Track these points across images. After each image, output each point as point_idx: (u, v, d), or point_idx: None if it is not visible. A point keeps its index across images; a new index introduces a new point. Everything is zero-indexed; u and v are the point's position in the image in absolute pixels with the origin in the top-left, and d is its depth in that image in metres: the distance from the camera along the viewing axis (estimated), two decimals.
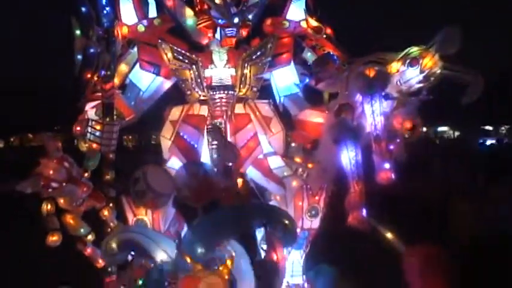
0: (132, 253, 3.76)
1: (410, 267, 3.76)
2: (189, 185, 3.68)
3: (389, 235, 4.09)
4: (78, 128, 4.22)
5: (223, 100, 4.20)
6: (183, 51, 4.19)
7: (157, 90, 4.53)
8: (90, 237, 4.15)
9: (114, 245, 3.61)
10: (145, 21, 4.33)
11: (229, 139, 4.11)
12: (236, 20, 4.07)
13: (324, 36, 4.39)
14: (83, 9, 3.93)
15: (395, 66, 3.84)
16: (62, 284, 4.52)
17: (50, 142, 3.91)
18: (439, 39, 3.70)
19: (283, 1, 4.48)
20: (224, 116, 4.17)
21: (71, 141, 4.60)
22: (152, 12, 4.44)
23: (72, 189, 3.91)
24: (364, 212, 3.76)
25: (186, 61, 4.17)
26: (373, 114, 3.74)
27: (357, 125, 3.83)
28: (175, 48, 4.17)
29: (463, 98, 3.73)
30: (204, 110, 4.28)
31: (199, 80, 4.18)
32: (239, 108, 4.30)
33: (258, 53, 4.21)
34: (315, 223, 4.35)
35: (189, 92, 4.27)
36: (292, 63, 4.48)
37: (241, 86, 4.22)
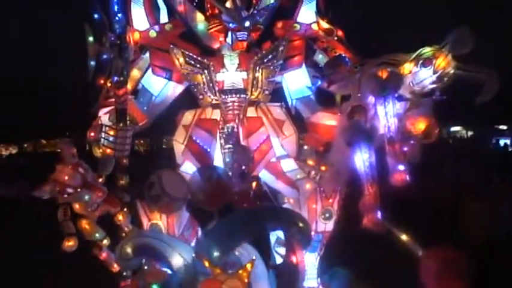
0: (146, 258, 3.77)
1: (426, 269, 3.73)
2: (204, 189, 3.68)
3: (404, 237, 4.05)
4: (92, 134, 4.25)
5: (236, 104, 4.21)
6: (194, 56, 4.22)
7: (170, 95, 4.56)
8: (105, 241, 4.17)
9: (129, 250, 3.61)
10: (156, 27, 4.38)
11: (242, 143, 4.11)
12: (247, 23, 4.09)
13: (335, 38, 4.38)
14: (96, 16, 3.98)
15: (408, 67, 3.82)
16: None
17: (65, 148, 3.95)
18: (451, 39, 3.68)
19: (294, 4, 4.48)
20: (236, 120, 4.18)
21: (83, 147, 4.63)
22: (163, 17, 4.48)
23: (87, 195, 3.94)
24: (379, 214, 3.74)
25: (198, 66, 4.20)
26: (387, 115, 3.71)
27: (370, 127, 3.81)
28: (187, 53, 4.20)
29: (477, 97, 3.69)
30: (216, 114, 4.29)
31: (211, 84, 4.20)
32: (251, 112, 4.31)
33: (270, 56, 4.23)
34: (329, 226, 4.32)
35: (201, 97, 4.30)
36: (303, 65, 4.48)
37: (253, 89, 4.23)
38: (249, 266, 3.16)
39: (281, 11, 4.45)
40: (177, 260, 3.32)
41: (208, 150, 4.14)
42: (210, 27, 4.21)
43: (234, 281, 3.08)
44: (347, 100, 4.13)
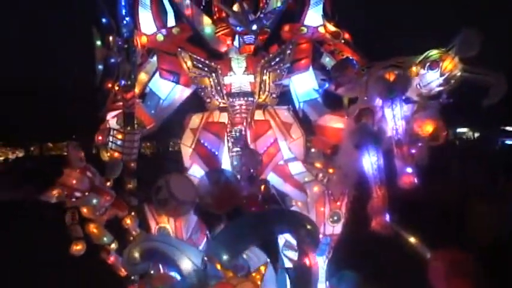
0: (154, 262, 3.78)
1: (435, 272, 3.72)
2: (212, 192, 3.69)
3: (412, 240, 4.05)
4: (100, 138, 4.26)
5: (243, 107, 4.22)
6: (202, 59, 4.22)
7: (177, 98, 4.57)
8: (113, 245, 4.17)
9: (136, 254, 3.61)
10: (164, 31, 4.39)
11: (250, 146, 4.11)
12: (254, 27, 4.09)
13: (342, 41, 4.38)
14: (103, 20, 3.99)
15: (415, 70, 3.81)
16: None
17: (73, 152, 3.95)
18: (458, 41, 3.67)
19: (301, 7, 4.47)
20: (244, 123, 4.19)
21: (90, 150, 4.64)
22: (171, 21, 4.49)
23: (95, 199, 3.94)
24: (387, 216, 3.73)
25: (206, 69, 4.20)
26: (394, 118, 3.71)
27: (378, 129, 3.80)
28: (194, 56, 4.20)
29: (484, 99, 3.68)
30: (224, 117, 4.29)
31: (219, 88, 4.21)
32: (259, 115, 4.31)
33: (277, 60, 4.22)
34: (337, 229, 4.31)
35: (208, 100, 4.31)
36: (311, 68, 4.48)
37: (261, 92, 4.23)
38: (262, 268, 3.17)
39: (288, 14, 4.45)
40: (186, 264, 3.32)
41: (216, 153, 4.14)
42: (217, 30, 4.22)
43: (247, 284, 3.09)
44: (354, 103, 4.13)
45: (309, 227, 3.68)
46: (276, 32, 4.43)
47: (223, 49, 4.40)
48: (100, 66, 4.11)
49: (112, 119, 4.30)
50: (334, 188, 4.26)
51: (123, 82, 4.04)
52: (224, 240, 3.32)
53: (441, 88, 3.81)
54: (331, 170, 4.35)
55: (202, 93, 4.33)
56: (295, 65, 4.38)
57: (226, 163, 4.19)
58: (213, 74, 4.20)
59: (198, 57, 4.22)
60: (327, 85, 4.29)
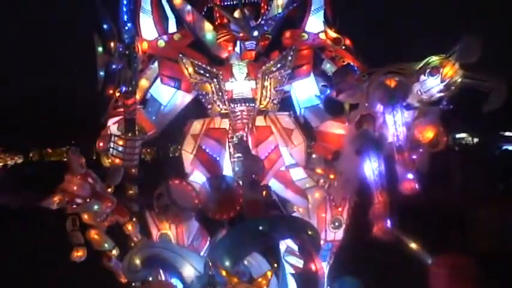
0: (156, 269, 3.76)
1: (436, 277, 3.72)
2: (213, 198, 3.69)
3: (414, 245, 4.05)
4: (101, 144, 4.25)
5: (244, 113, 4.22)
6: (203, 65, 4.23)
7: (178, 104, 4.58)
8: (114, 252, 4.16)
9: (137, 262, 3.60)
10: (165, 37, 4.39)
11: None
12: (256, 33, 4.09)
13: (343, 47, 4.38)
14: (105, 26, 4.00)
15: (415, 76, 3.82)
16: None
17: (74, 158, 3.95)
18: (459, 48, 3.67)
19: (302, 13, 4.48)
20: (245, 129, 4.19)
21: (89, 156, 4.64)
22: (172, 27, 4.50)
23: (97, 205, 3.94)
24: (389, 222, 3.73)
25: (207, 75, 4.21)
26: (395, 124, 3.71)
27: (379, 135, 3.81)
28: (196, 62, 4.21)
29: (485, 105, 3.69)
30: (225, 124, 4.30)
31: (220, 94, 4.21)
32: (260, 121, 4.32)
33: (278, 66, 4.23)
34: (339, 235, 4.32)
35: (210, 106, 4.31)
36: (312, 74, 4.50)
37: (262, 98, 4.23)
38: (269, 274, 3.16)
39: (289, 21, 4.45)
40: (189, 271, 3.32)
41: (218, 159, 4.14)
42: (219, 36, 4.22)
43: None
44: (355, 109, 4.14)
45: (310, 232, 3.68)
46: (277, 38, 4.43)
47: (224, 55, 4.41)
48: (101, 73, 4.12)
49: (113, 125, 4.29)
50: (335, 193, 4.26)
51: (124, 88, 4.05)
52: (225, 247, 3.31)
53: (442, 94, 3.80)
54: (332, 176, 4.36)
55: (204, 99, 4.34)
56: (297, 71, 4.39)
57: (227, 169, 4.19)
58: (215, 80, 4.21)
59: (200, 63, 4.22)
60: (328, 91, 4.29)
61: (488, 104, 3.66)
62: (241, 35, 4.12)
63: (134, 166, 4.21)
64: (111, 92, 4.10)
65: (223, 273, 3.09)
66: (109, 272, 4.20)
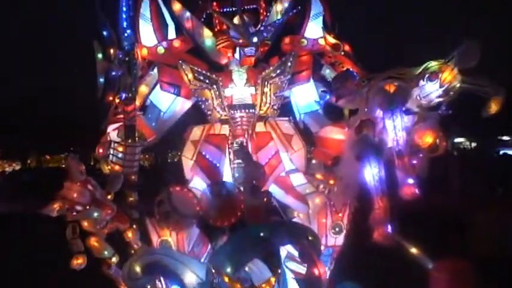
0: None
1: (437, 282, 3.72)
2: (214, 205, 3.68)
3: (414, 250, 4.04)
4: (101, 150, 4.24)
5: (244, 119, 4.23)
6: (203, 72, 4.23)
7: (178, 111, 4.58)
8: (114, 259, 4.15)
9: (138, 269, 3.57)
10: (164, 43, 4.40)
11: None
12: (255, 39, 4.11)
13: (342, 53, 4.39)
14: (105, 32, 4.01)
15: (414, 81, 3.83)
16: None
17: (73, 165, 3.94)
18: (457, 53, 3.68)
19: (301, 19, 4.49)
20: (245, 135, 4.19)
21: (88, 163, 4.63)
22: (171, 33, 4.50)
23: (97, 212, 3.92)
24: (389, 228, 3.73)
25: (207, 81, 4.22)
26: (395, 129, 3.72)
27: (379, 140, 3.81)
28: (195, 68, 4.22)
29: (483, 110, 3.70)
30: (225, 130, 4.30)
31: (220, 100, 4.22)
32: (260, 127, 4.32)
33: (278, 71, 4.23)
34: (339, 240, 4.31)
35: (209, 112, 4.32)
36: (311, 80, 4.51)
37: (262, 104, 4.24)
38: (273, 280, 3.15)
39: (288, 27, 4.47)
40: (190, 278, 3.30)
41: (218, 165, 4.13)
42: (218, 43, 4.24)
43: None
44: (355, 114, 4.15)
45: (310, 238, 3.67)
46: (277, 44, 4.45)
47: (223, 61, 4.42)
48: (101, 79, 4.12)
49: (113, 132, 4.29)
50: (336, 199, 4.26)
51: (124, 95, 4.05)
52: (227, 253, 3.30)
53: (441, 99, 3.81)
54: (332, 181, 4.36)
55: (203, 106, 4.35)
56: (296, 77, 4.40)
57: (227, 175, 4.19)
58: (214, 86, 4.22)
59: (199, 70, 4.23)
60: (328, 97, 4.30)
61: (487, 110, 3.66)
62: (240, 41, 4.14)
63: (134, 173, 4.20)
64: (111, 98, 4.10)
65: (226, 279, 3.08)
66: (109, 280, 4.19)
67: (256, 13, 4.50)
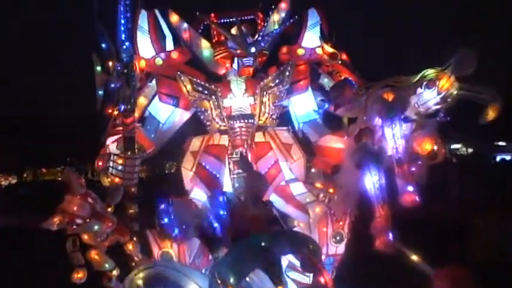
0: None
1: None
2: (217, 216, 3.67)
3: (415, 258, 4.04)
4: (100, 163, 4.23)
5: (243, 129, 4.24)
6: (202, 83, 4.25)
7: (177, 122, 4.59)
8: (115, 272, 4.13)
9: (140, 282, 3.53)
10: (162, 54, 4.42)
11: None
12: (253, 49, 4.14)
13: (340, 62, 4.42)
14: (103, 45, 4.01)
15: (412, 89, 3.84)
16: None
17: (73, 178, 3.93)
18: (454, 60, 3.70)
19: (298, 29, 4.52)
20: (245, 145, 4.19)
21: (85, 174, 4.61)
22: (169, 45, 4.50)
23: (97, 225, 3.91)
24: (391, 235, 3.73)
25: (206, 92, 4.23)
26: (394, 137, 3.73)
27: (379, 148, 3.82)
28: (194, 79, 4.23)
29: (481, 117, 3.71)
30: (224, 140, 4.31)
31: (219, 110, 4.23)
32: (259, 137, 4.34)
33: (277, 81, 4.25)
34: (340, 249, 4.32)
35: (209, 123, 4.32)
36: (309, 89, 4.53)
37: (261, 114, 4.25)
38: None
39: (285, 36, 4.50)
40: None
41: (218, 175, 4.14)
42: (216, 53, 4.26)
43: None
44: (354, 123, 4.16)
45: (311, 247, 3.67)
46: (274, 54, 4.48)
47: (221, 72, 4.44)
48: (100, 92, 4.12)
49: (112, 144, 4.28)
50: (336, 207, 4.26)
51: (123, 107, 4.05)
52: (229, 263, 3.29)
53: (438, 106, 3.82)
54: (331, 190, 4.36)
55: (202, 116, 4.35)
56: (294, 86, 4.42)
57: (227, 185, 4.19)
58: (213, 97, 4.23)
59: (198, 81, 4.24)
60: (326, 106, 4.31)
61: (485, 116, 3.68)
62: (238, 51, 4.17)
63: (134, 185, 4.20)
64: (110, 110, 4.10)
65: None
66: None
67: (253, 24, 4.53)
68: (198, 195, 4.19)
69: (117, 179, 4.14)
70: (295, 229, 4.27)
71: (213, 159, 4.19)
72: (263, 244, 3.55)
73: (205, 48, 4.46)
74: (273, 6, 4.52)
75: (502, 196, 9.90)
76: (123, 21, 4.02)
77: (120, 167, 4.14)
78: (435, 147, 3.93)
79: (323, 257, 4.06)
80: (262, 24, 4.43)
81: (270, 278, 3.62)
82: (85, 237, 3.99)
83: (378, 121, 3.88)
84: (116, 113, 4.20)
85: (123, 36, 4.03)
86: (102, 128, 4.20)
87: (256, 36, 4.27)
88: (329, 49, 4.38)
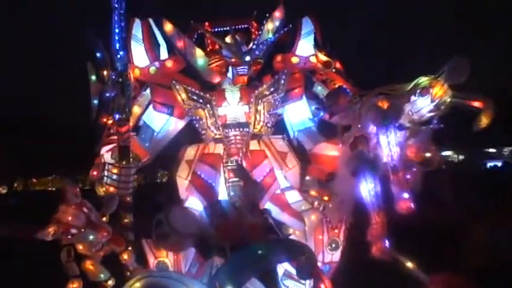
0: None
1: None
2: (214, 224, 3.66)
3: (410, 265, 4.05)
4: (95, 173, 4.23)
5: (238, 138, 4.22)
6: (197, 91, 4.24)
7: (171, 131, 4.58)
8: (110, 282, 4.10)
9: None
10: (157, 63, 4.43)
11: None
12: (247, 58, 4.15)
13: (334, 70, 4.44)
14: (98, 54, 4.01)
15: (406, 97, 3.86)
16: None
17: (68, 188, 3.91)
18: (447, 68, 3.73)
19: (292, 37, 4.55)
20: (240, 154, 4.19)
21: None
22: (163, 53, 4.51)
23: (92, 235, 3.89)
24: (387, 242, 3.74)
25: (201, 100, 4.22)
26: (389, 145, 3.74)
27: (374, 156, 3.83)
28: (189, 88, 4.22)
29: (474, 125, 3.74)
30: (219, 149, 4.30)
31: (214, 119, 4.22)
32: (254, 145, 4.33)
33: (271, 89, 4.25)
34: (336, 256, 4.32)
35: (204, 131, 4.32)
36: (304, 97, 4.54)
37: (256, 122, 4.25)
38: None
39: (279, 45, 4.52)
40: None
41: (213, 184, 4.13)
42: (211, 62, 4.26)
43: None
44: (348, 131, 4.17)
45: (307, 254, 3.66)
46: (269, 63, 4.49)
47: (215, 80, 4.44)
48: (95, 101, 4.12)
49: (107, 154, 4.27)
50: (331, 215, 4.26)
51: (118, 116, 4.04)
52: (228, 272, 3.28)
53: (432, 114, 3.85)
54: (326, 198, 4.36)
55: (197, 125, 4.34)
56: (289, 95, 4.43)
57: (223, 194, 4.18)
58: (208, 106, 4.22)
59: (193, 89, 4.23)
60: (321, 114, 4.33)
61: (478, 123, 3.71)
62: (233, 60, 4.18)
63: (129, 194, 4.19)
64: (105, 120, 4.09)
65: None
66: None
67: (247, 32, 4.54)
68: (194, 204, 4.17)
69: (112, 189, 4.13)
70: (290, 237, 4.27)
71: (208, 168, 4.18)
72: (260, 252, 3.55)
73: (199, 57, 4.46)
74: (267, 15, 4.52)
75: (494, 201, 9.98)
76: (117, 30, 4.03)
77: (115, 177, 4.14)
78: (428, 154, 3.96)
79: (319, 264, 4.06)
80: (257, 33, 4.44)
81: (265, 286, 3.62)
82: (80, 247, 3.97)
83: (372, 129, 3.89)
84: (110, 122, 4.20)
85: (117, 45, 4.03)
86: (97, 137, 4.20)
87: (251, 44, 4.29)
88: (323, 57, 4.41)
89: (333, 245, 4.28)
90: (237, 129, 4.22)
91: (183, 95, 4.21)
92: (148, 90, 4.50)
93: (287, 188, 4.35)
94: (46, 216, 3.95)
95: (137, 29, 4.44)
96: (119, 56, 4.05)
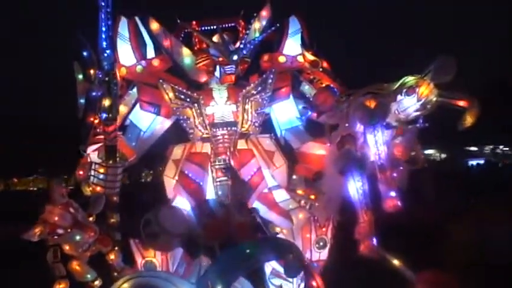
0: None
1: None
2: (203, 223, 3.65)
3: (396, 263, 4.08)
4: (81, 172, 4.19)
5: (226, 137, 4.22)
6: (184, 90, 4.23)
7: (158, 130, 4.56)
8: (97, 282, 4.07)
9: None
10: (143, 62, 4.40)
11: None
12: (235, 57, 4.14)
13: (321, 69, 4.45)
14: (85, 53, 3.97)
15: (392, 96, 3.89)
16: None
17: (55, 188, 3.88)
18: (434, 67, 3.77)
19: (280, 36, 4.56)
20: (227, 153, 4.18)
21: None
22: (150, 52, 4.49)
23: (79, 235, 3.86)
24: (374, 240, 3.77)
25: (188, 100, 4.21)
26: (376, 143, 3.77)
27: (362, 155, 3.86)
28: (176, 87, 4.21)
29: (459, 123, 3.79)
30: (206, 148, 4.29)
31: (201, 118, 4.21)
32: (241, 144, 4.32)
33: (259, 89, 4.26)
34: (324, 254, 4.34)
35: (191, 131, 4.30)
36: (291, 96, 4.55)
37: (244, 121, 4.25)
38: None
39: (267, 44, 4.52)
40: None
41: (201, 183, 4.12)
42: (198, 61, 4.24)
43: None
44: (336, 129, 4.19)
45: (294, 253, 3.67)
46: (256, 62, 4.49)
47: (202, 79, 4.42)
48: (82, 100, 4.08)
49: (93, 153, 4.22)
50: (319, 214, 4.28)
51: (104, 115, 4.00)
52: (217, 271, 3.28)
53: (418, 113, 3.88)
54: (312, 196, 4.38)
55: (185, 124, 4.32)
56: (276, 94, 4.43)
57: (210, 193, 4.17)
58: (195, 105, 4.21)
59: (180, 88, 4.22)
60: (309, 113, 4.34)
61: (463, 122, 3.76)
62: (220, 59, 4.16)
63: (116, 194, 4.16)
64: (91, 119, 4.05)
65: None
66: None
67: (235, 31, 4.53)
68: (181, 203, 4.15)
69: (98, 188, 4.10)
70: (278, 235, 4.28)
71: (195, 167, 4.17)
72: (248, 251, 3.55)
73: (186, 55, 4.44)
74: (255, 14, 4.51)
75: (476, 199, 10.13)
76: (104, 29, 3.98)
77: (101, 176, 4.10)
78: (413, 153, 4.01)
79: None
80: (244, 32, 4.41)
81: (252, 285, 3.62)
82: (66, 247, 3.94)
83: (360, 128, 3.92)
84: (97, 121, 4.16)
85: (104, 44, 3.98)
86: (84, 136, 4.16)
87: (238, 43, 4.27)
88: (310, 57, 4.42)
89: (321, 244, 4.30)
90: (225, 129, 4.22)
91: (171, 94, 4.19)
92: (135, 89, 4.47)
93: (274, 186, 4.35)
94: (27, 216, 3.92)
95: (123, 28, 4.41)
96: (105, 55, 3.99)
